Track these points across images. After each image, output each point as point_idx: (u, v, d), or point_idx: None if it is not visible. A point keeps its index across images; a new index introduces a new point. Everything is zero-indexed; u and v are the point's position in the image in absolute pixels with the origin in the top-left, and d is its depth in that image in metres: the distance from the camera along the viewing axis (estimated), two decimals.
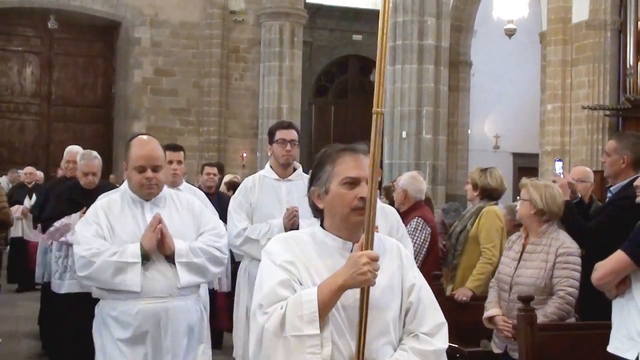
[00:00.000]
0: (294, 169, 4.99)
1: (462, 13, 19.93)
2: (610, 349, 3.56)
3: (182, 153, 5.38)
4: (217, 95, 19.29)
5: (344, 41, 21.62)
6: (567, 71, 15.51)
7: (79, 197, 5.69)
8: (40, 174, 12.30)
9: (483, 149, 21.35)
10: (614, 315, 3.83)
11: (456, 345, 4.47)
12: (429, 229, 5.84)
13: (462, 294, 5.27)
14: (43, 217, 6.31)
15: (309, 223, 4.63)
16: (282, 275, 2.33)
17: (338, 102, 21.83)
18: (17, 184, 12.06)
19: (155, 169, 3.60)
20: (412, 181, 6.09)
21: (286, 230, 4.68)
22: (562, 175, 6.43)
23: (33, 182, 11.23)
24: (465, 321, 4.81)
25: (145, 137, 3.75)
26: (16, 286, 11.15)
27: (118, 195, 3.74)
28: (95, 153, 6.14)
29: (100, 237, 3.54)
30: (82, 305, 5.00)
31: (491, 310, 4.43)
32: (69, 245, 5.40)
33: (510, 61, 20.83)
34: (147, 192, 3.62)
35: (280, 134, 4.88)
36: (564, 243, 4.25)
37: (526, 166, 20.42)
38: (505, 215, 5.97)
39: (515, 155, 22.24)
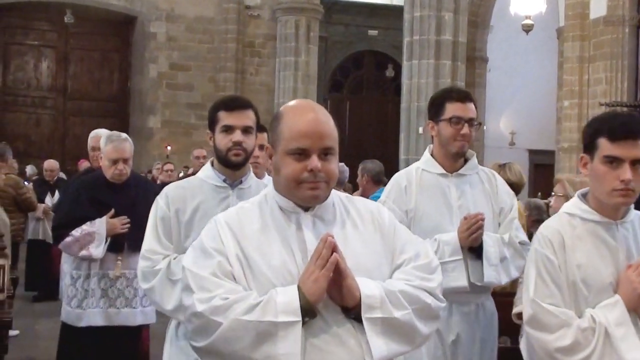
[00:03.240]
0: (465, 159, 3.45)
1: (478, 8, 19.86)
2: None
3: (266, 134, 3.36)
4: (233, 90, 19.26)
5: (360, 37, 21.58)
6: (584, 67, 15.41)
7: (104, 196, 4.28)
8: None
9: (499, 145, 21.28)
10: None
11: None
12: None
13: None
14: (55, 224, 4.66)
15: (495, 239, 3.39)
16: None
17: (353, 98, 21.79)
18: (37, 181, 10.91)
19: (327, 152, 2.05)
20: None
21: (463, 248, 3.30)
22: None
23: (55, 178, 10.24)
24: None
25: (303, 101, 2.19)
26: (34, 294, 9.59)
27: (255, 203, 2.18)
28: (125, 135, 4.51)
29: (227, 277, 2.01)
30: (110, 344, 4.24)
31: (520, 306, 4.36)
32: (92, 261, 4.26)
33: (527, 57, 20.73)
34: (310, 194, 2.05)
35: (453, 109, 3.30)
36: None
37: (542, 163, 20.36)
38: (523, 212, 5.92)
39: (531, 152, 22.16)
